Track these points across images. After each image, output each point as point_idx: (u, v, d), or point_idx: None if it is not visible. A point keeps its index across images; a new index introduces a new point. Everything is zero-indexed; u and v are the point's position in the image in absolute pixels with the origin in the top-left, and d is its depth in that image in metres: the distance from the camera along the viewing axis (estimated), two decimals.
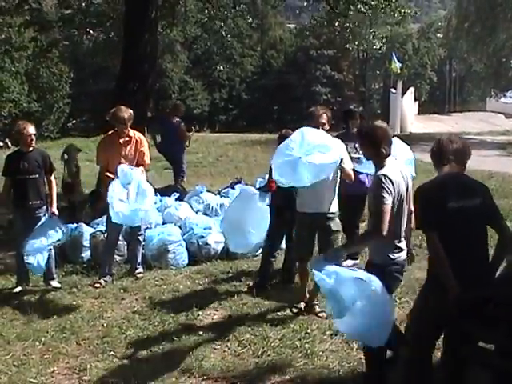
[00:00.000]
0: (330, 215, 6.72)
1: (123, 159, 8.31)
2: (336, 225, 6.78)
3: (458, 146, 4.98)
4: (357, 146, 7.83)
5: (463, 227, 4.48)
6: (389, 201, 4.69)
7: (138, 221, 7.95)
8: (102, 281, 8.31)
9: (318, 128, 6.78)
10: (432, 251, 4.59)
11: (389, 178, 4.73)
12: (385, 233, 4.66)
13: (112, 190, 7.68)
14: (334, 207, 6.73)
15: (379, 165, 4.89)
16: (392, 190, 4.72)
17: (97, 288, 8.13)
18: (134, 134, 8.53)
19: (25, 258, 7.72)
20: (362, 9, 13.50)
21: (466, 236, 4.48)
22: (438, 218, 4.45)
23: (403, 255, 4.99)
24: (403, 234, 4.96)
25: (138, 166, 8.37)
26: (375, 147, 4.88)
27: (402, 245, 4.97)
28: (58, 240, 8.07)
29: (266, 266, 7.98)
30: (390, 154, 4.93)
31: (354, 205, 8.20)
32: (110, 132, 8.68)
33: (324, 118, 7.10)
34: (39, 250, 7.74)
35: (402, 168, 5.12)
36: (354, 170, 6.96)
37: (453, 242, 4.46)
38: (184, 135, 13.27)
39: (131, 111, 8.44)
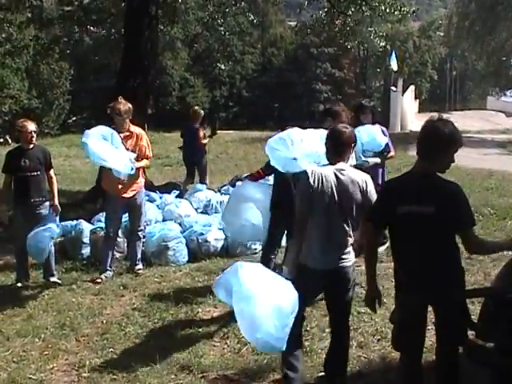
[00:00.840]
0: None
1: None
2: None
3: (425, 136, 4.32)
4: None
5: (410, 233, 4.30)
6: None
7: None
8: (102, 276, 8.36)
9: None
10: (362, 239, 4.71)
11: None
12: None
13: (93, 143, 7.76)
14: None
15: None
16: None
17: (98, 284, 8.16)
18: (135, 129, 8.55)
19: (27, 245, 7.76)
20: (363, 8, 13.48)
21: (413, 243, 4.30)
22: (386, 219, 4.41)
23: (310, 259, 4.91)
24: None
25: (140, 159, 8.40)
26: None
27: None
28: (57, 234, 8.12)
29: (266, 263, 7.97)
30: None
31: None
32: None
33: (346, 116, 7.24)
34: (41, 237, 7.77)
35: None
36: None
37: (399, 248, 4.44)
38: (201, 140, 13.40)
39: (130, 105, 8.44)
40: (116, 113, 8.32)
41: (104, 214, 9.14)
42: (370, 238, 4.60)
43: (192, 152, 13.34)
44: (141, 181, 8.62)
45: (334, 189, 4.78)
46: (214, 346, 6.09)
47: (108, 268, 8.51)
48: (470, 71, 61.87)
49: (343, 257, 4.87)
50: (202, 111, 13.97)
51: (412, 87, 42.09)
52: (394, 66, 28.10)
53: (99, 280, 8.28)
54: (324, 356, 5.58)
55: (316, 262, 4.85)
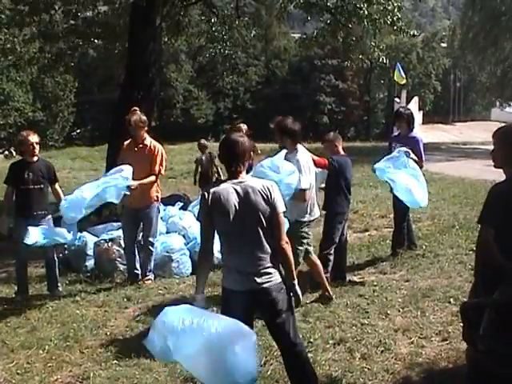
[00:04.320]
0: None
1: (137, 166, 8.32)
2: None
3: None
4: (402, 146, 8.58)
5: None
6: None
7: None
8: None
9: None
10: None
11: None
12: None
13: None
14: None
15: None
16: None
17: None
18: (151, 141, 8.62)
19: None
20: (365, 20, 13.50)
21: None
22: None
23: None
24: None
25: (150, 174, 8.44)
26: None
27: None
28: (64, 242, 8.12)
29: None
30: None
31: None
32: (129, 139, 8.75)
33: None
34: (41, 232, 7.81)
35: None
36: None
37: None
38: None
39: (142, 117, 8.50)
40: (127, 123, 8.39)
41: (107, 225, 9.18)
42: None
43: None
44: (154, 195, 8.65)
45: (236, 203, 4.57)
46: None
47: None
48: (474, 82, 61.92)
49: (263, 275, 4.60)
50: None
51: (416, 98, 42.08)
52: (398, 78, 28.09)
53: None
54: (328, 367, 5.60)
55: (235, 282, 4.66)
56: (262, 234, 4.60)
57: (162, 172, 8.78)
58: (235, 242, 4.65)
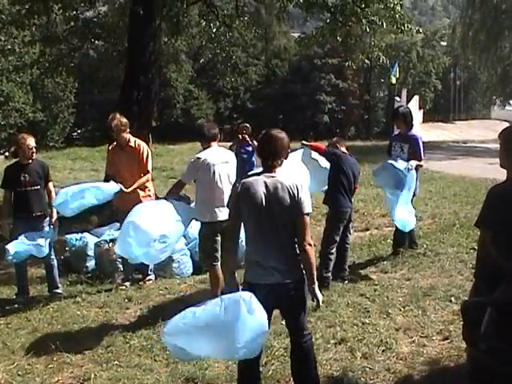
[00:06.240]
0: None
1: (125, 167, 8.36)
2: None
3: None
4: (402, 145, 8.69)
5: None
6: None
7: None
8: (126, 284, 8.70)
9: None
10: None
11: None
12: None
13: None
14: None
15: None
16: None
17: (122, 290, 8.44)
18: (135, 141, 8.59)
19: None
20: (363, 20, 13.47)
21: None
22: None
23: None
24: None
25: (141, 174, 8.44)
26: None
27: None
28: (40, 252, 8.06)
29: None
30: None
31: None
32: (114, 143, 8.75)
33: None
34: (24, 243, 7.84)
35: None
36: None
37: None
38: None
39: (123, 120, 8.47)
40: (108, 129, 8.39)
41: (109, 227, 9.17)
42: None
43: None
44: (148, 194, 8.62)
45: (263, 196, 4.65)
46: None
47: (129, 278, 8.79)
48: (475, 81, 61.85)
49: (285, 269, 4.68)
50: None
51: (416, 97, 42.04)
52: (393, 78, 28.17)
53: (123, 287, 8.55)
54: (329, 367, 5.59)
55: (257, 276, 4.73)
56: (285, 230, 4.67)
57: (150, 169, 8.76)
58: (259, 235, 4.71)
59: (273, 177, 4.72)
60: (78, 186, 8.02)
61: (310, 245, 4.70)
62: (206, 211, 7.30)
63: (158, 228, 6.78)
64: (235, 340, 4.19)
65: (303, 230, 4.68)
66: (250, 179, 4.74)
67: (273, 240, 4.67)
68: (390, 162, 8.56)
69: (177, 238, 7.34)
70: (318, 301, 4.81)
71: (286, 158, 4.94)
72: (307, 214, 4.73)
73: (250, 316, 4.22)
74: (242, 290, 4.71)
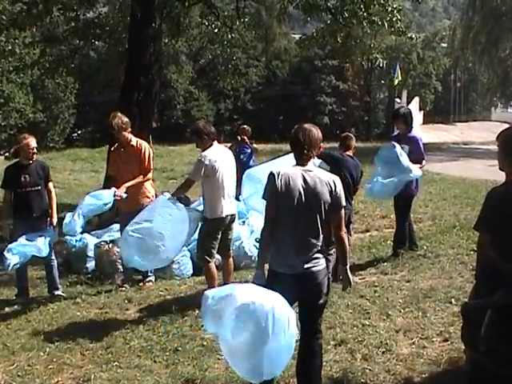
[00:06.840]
0: None
1: (126, 167, 8.37)
2: None
3: None
4: (402, 146, 8.70)
5: None
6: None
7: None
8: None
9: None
10: None
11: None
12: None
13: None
14: None
15: None
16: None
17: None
18: (137, 141, 8.57)
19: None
20: (364, 22, 13.48)
21: None
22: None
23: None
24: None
25: (142, 174, 8.43)
26: None
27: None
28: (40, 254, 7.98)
29: None
30: None
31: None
32: (116, 144, 8.75)
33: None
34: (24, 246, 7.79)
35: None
36: None
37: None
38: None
39: (124, 119, 8.44)
40: (110, 127, 8.38)
41: (109, 229, 9.18)
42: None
43: None
44: (145, 195, 8.59)
45: (302, 190, 4.74)
46: (219, 359, 6.04)
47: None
48: (475, 82, 61.92)
49: (312, 260, 4.79)
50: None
51: (416, 99, 42.10)
52: (395, 81, 28.23)
53: (123, 288, 8.54)
54: (329, 368, 5.58)
55: (283, 265, 4.79)
56: (319, 222, 4.80)
57: (151, 167, 8.75)
58: (291, 225, 4.78)
59: (310, 171, 4.83)
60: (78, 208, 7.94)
61: (346, 232, 5.05)
62: (215, 208, 7.47)
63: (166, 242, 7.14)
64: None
65: (340, 220, 4.94)
66: (289, 171, 4.82)
67: (305, 232, 4.79)
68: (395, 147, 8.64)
69: (181, 247, 7.74)
70: (348, 280, 5.09)
71: (318, 153, 5.10)
72: (344, 207, 4.96)
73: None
74: (267, 278, 4.83)
